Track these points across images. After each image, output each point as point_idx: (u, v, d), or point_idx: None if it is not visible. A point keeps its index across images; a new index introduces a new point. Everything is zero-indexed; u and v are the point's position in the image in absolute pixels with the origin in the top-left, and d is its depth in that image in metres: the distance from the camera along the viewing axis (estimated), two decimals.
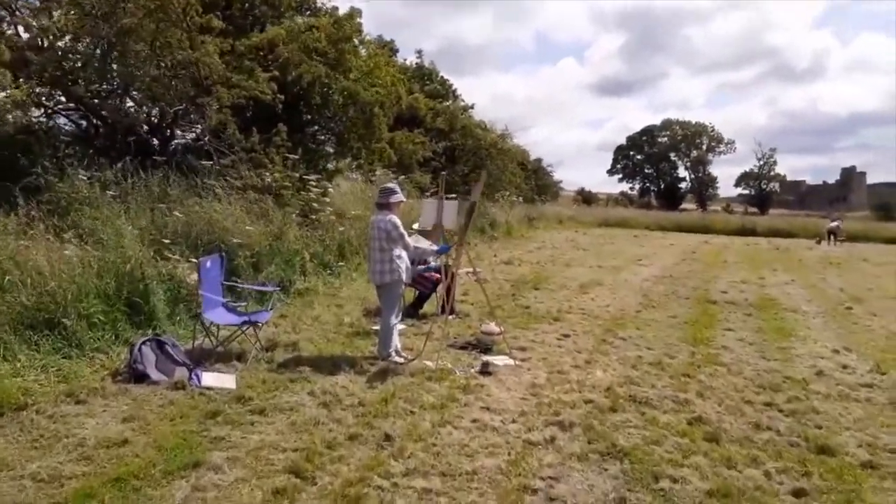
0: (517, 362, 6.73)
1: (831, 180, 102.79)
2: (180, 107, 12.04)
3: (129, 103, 12.88)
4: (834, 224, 32.91)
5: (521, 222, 25.82)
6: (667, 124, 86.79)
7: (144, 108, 12.49)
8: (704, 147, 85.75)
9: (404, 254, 6.59)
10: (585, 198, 65.86)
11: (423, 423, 4.92)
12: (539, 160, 38.81)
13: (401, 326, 6.86)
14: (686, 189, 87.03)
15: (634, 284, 12.86)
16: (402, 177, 16.81)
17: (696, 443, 4.80)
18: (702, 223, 40.22)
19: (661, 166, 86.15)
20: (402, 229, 6.47)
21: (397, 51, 25.07)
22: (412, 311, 8.67)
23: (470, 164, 23.45)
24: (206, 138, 12.20)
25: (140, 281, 6.91)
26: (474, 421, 5.04)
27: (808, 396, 5.94)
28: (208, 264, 6.55)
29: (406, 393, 5.59)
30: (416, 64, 26.46)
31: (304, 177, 11.57)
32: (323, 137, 14.81)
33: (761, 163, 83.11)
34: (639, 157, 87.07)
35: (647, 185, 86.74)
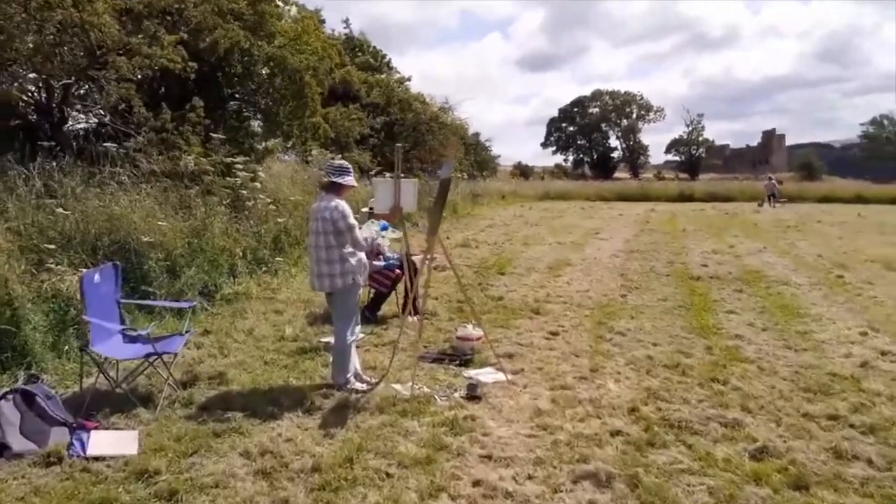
0: (509, 377, 5.37)
1: (753, 143, 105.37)
2: (69, 80, 10.05)
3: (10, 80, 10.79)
4: (771, 184, 33.11)
5: (465, 200, 24.47)
6: (597, 95, 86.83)
7: (26, 83, 10.40)
8: (634, 116, 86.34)
9: (357, 250, 5.10)
10: (523, 171, 65.08)
11: (408, 496, 3.48)
12: (477, 135, 37.46)
13: (358, 336, 5.37)
14: (619, 158, 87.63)
15: (605, 263, 11.69)
16: (340, 156, 15.14)
17: (780, 493, 3.53)
18: (641, 191, 39.92)
19: (594, 137, 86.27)
20: (352, 219, 4.97)
21: (324, 21, 23.11)
22: (369, 315, 7.18)
23: (411, 140, 21.86)
24: (106, 118, 10.29)
25: (6, 305, 5.19)
26: (477, 483, 3.63)
27: (872, 402, 4.79)
28: (96, 278, 4.89)
29: (376, 442, 4.14)
30: (346, 35, 24.54)
31: (229, 159, 9.82)
32: (248, 113, 12.95)
33: (690, 129, 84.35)
34: (571, 128, 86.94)
35: (581, 156, 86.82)
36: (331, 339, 6.34)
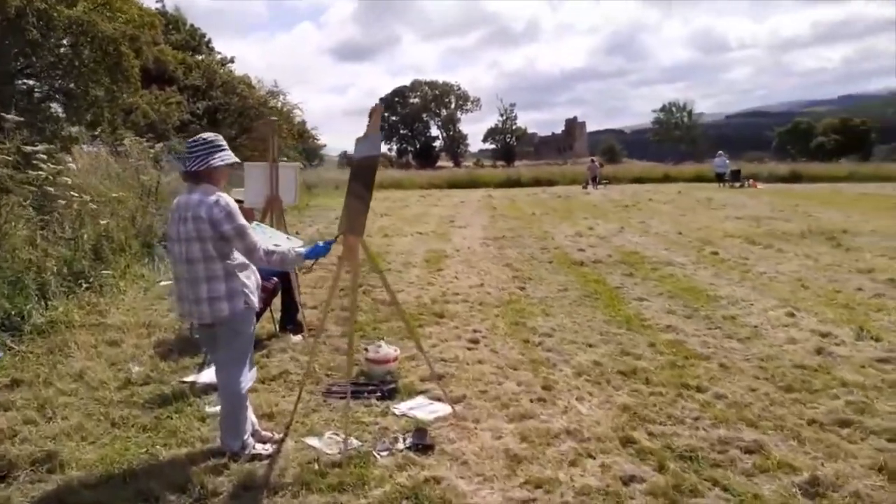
0: (455, 408, 4.20)
1: (558, 131, 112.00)
2: None
3: None
4: (594, 166, 34.86)
5: (301, 190, 22.67)
6: (416, 85, 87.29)
7: None
8: (453, 106, 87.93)
9: (249, 262, 3.64)
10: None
11: None
12: (304, 123, 35.43)
13: (252, 380, 3.87)
14: (440, 147, 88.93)
15: (480, 252, 10.84)
16: (160, 144, 12.96)
17: None
18: (470, 178, 40.21)
19: (416, 126, 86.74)
20: (241, 218, 3.50)
21: None
22: None
23: (237, 127, 19.69)
24: None
25: None
26: None
27: (868, 398, 4.25)
28: None
29: None
30: (158, 11, 21.54)
31: (29, 147, 7.57)
32: (40, 93, 10.39)
33: (504, 118, 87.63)
34: (393, 118, 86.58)
35: (405, 145, 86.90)
36: (200, 378, 4.80)
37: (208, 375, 4.90)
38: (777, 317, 6.26)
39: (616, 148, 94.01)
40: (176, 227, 3.48)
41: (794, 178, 35.69)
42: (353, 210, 3.79)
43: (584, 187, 32.32)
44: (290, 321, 6.10)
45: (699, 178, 36.83)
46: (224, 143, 3.59)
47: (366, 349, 5.06)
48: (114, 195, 8.41)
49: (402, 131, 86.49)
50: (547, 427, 3.91)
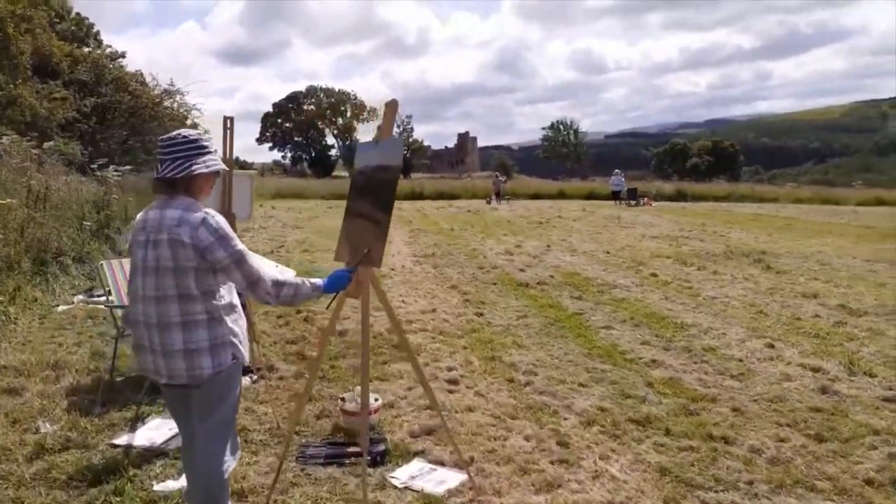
0: (470, 475, 3.51)
1: (450, 145, 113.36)
2: None
3: None
4: (498, 181, 35.15)
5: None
6: (311, 91, 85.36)
7: None
8: (349, 114, 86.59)
9: (237, 302, 2.80)
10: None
11: None
12: (196, 125, 33.27)
13: (236, 460, 3.00)
14: (337, 156, 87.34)
15: (418, 272, 10.16)
16: (48, 144, 11.45)
17: None
18: None
19: (311, 134, 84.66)
20: (237, 241, 2.66)
21: None
22: None
23: (128, 127, 17.96)
24: None
25: None
26: None
27: None
28: None
29: None
30: None
31: None
32: None
33: (401, 129, 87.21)
34: (287, 124, 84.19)
35: (299, 153, 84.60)
36: (136, 440, 3.86)
37: (145, 436, 3.95)
38: (757, 349, 6.00)
39: (507, 163, 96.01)
40: (143, 251, 2.60)
41: (681, 196, 37.46)
42: (363, 235, 3.03)
43: (488, 202, 32.35)
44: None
45: (592, 196, 37.94)
46: (209, 143, 2.75)
47: (341, 398, 4.26)
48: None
49: (296, 139, 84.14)
50: (586, 499, 3.31)
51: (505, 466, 3.68)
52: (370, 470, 3.59)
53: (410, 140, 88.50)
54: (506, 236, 15.58)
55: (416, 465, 3.71)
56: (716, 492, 3.40)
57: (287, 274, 3.05)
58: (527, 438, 4.05)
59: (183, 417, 2.81)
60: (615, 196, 32.23)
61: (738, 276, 9.90)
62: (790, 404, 4.62)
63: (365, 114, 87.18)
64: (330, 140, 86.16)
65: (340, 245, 3.34)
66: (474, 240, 14.71)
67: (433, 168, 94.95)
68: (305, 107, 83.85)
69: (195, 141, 2.66)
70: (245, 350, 2.74)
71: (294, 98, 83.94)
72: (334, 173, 76.76)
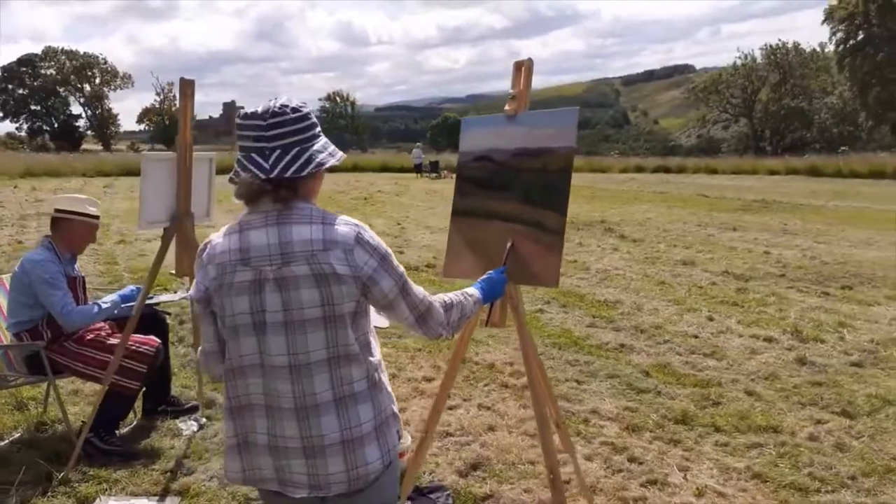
0: None
1: (215, 115, 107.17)
2: None
3: None
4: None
5: None
6: (50, 54, 74.54)
7: None
8: (98, 81, 77.07)
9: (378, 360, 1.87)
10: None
11: None
12: None
13: None
14: (86, 127, 77.59)
15: None
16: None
17: None
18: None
19: (51, 102, 73.94)
20: (396, 261, 1.72)
21: None
22: (105, 446, 3.38)
23: None
24: None
25: None
26: None
27: None
28: None
29: None
30: None
31: None
32: None
33: (162, 98, 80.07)
34: (21, 91, 72.65)
35: (39, 123, 73.52)
36: None
37: None
38: (700, 322, 6.03)
39: None
40: (252, 298, 1.60)
41: None
42: (531, 246, 2.24)
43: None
44: (164, 398, 3.94)
45: (387, 169, 37.90)
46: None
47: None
48: None
49: (33, 107, 72.95)
50: None
51: (601, 497, 3.11)
52: None
53: (174, 109, 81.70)
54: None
55: None
56: (829, 492, 3.16)
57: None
58: (588, 458, 3.51)
59: None
60: (417, 169, 32.36)
61: (604, 246, 10.17)
62: (790, 381, 4.60)
63: (118, 80, 78.28)
64: (76, 109, 76.10)
65: (456, 257, 2.48)
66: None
67: (197, 139, 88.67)
68: (44, 71, 72.96)
69: (308, 115, 1.67)
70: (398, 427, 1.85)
71: (28, 61, 72.64)
72: (83, 147, 67.87)
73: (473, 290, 2.00)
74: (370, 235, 1.65)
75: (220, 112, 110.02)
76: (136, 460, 3.33)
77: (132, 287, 3.68)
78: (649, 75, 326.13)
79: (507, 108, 2.34)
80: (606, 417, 4.02)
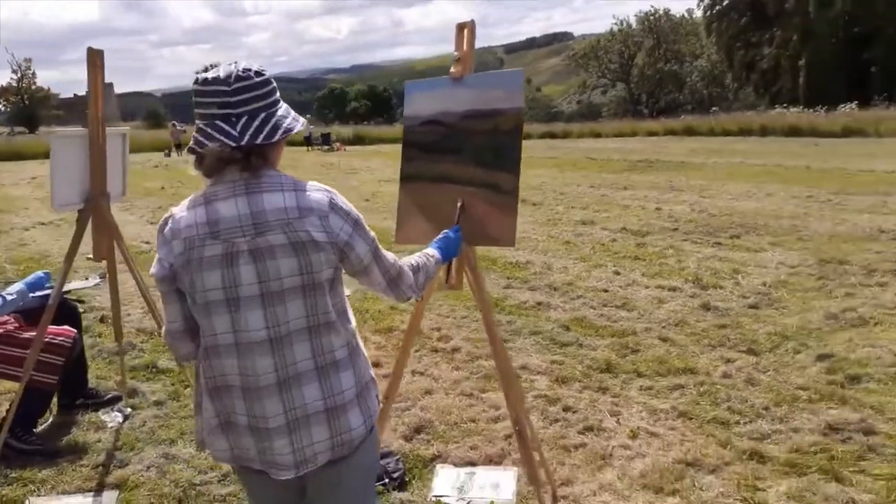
0: (536, 465, 2.97)
1: (81, 92, 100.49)
2: None
3: None
4: (177, 131, 31.71)
5: None
6: None
7: None
8: None
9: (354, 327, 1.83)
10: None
11: None
12: None
13: None
14: None
15: None
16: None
17: None
18: (12, 149, 32.26)
19: None
20: (368, 229, 1.68)
21: None
22: (20, 445, 3.14)
23: None
24: None
25: None
26: None
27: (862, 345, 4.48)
28: None
29: None
30: None
31: None
32: None
33: (19, 76, 74.12)
34: None
35: None
36: None
37: None
38: (608, 277, 6.30)
39: (160, 111, 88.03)
40: (225, 272, 1.54)
41: (359, 140, 38.19)
42: (486, 207, 2.25)
43: (167, 154, 29.25)
44: (81, 391, 3.71)
45: None
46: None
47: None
48: None
49: None
50: (648, 463, 3.06)
51: (545, 447, 3.23)
52: (399, 496, 2.87)
53: (34, 88, 75.73)
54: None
55: (448, 474, 3.06)
56: (748, 423, 3.43)
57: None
58: (494, 406, 3.62)
59: None
60: (308, 142, 31.59)
61: None
62: (698, 326, 4.91)
63: None
64: None
65: (409, 223, 2.47)
66: None
67: (66, 120, 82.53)
68: None
69: (270, 80, 1.61)
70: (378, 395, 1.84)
71: None
72: None
73: (433, 251, 2.00)
74: (342, 201, 1.62)
75: (86, 90, 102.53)
76: (60, 458, 3.12)
77: (39, 273, 3.41)
78: (531, 43, 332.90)
79: (452, 70, 2.32)
80: (536, 372, 4.16)
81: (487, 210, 2.26)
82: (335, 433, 1.61)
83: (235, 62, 1.57)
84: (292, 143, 34.60)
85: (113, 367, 4.34)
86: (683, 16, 64.35)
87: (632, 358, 4.34)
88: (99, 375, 4.16)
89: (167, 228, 1.59)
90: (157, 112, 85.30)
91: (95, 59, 2.78)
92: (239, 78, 1.52)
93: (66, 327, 3.33)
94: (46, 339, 3.10)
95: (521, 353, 4.47)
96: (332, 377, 1.61)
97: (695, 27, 61.63)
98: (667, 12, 64.88)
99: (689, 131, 32.30)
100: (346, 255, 1.60)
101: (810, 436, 3.25)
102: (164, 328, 1.69)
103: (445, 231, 2.14)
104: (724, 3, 50.40)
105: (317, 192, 1.58)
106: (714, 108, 42.18)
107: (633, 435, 3.35)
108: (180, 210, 1.60)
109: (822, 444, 3.16)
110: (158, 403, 3.80)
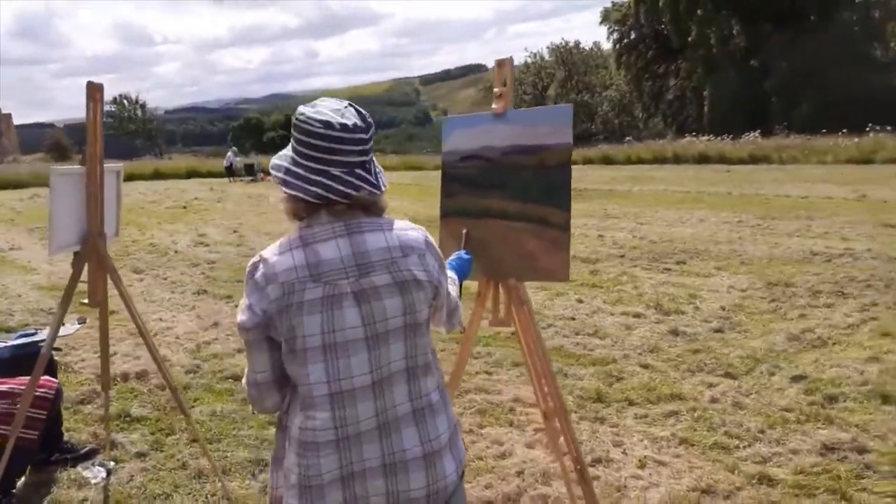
0: None
1: None
2: None
3: None
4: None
5: None
6: None
7: None
8: None
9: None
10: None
11: None
12: None
13: None
14: None
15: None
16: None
17: None
18: None
19: None
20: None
21: None
22: (8, 501, 2.87)
23: None
24: None
25: None
26: None
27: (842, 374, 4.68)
28: None
29: None
30: None
31: None
32: None
33: None
34: None
35: None
36: None
37: None
38: (572, 305, 6.42)
39: (65, 143, 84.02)
40: (327, 315, 1.48)
41: None
42: (533, 242, 2.24)
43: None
44: (57, 445, 3.43)
45: (194, 174, 35.89)
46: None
47: None
48: None
49: None
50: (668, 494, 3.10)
51: (559, 482, 3.22)
52: None
53: None
54: (163, 224, 13.58)
55: None
56: (748, 447, 3.52)
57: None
58: (529, 446, 3.60)
59: None
60: (229, 172, 30.81)
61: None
62: (671, 351, 5.05)
63: None
64: None
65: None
66: (139, 231, 12.46)
67: None
68: None
69: (355, 119, 1.57)
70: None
71: None
72: None
73: (453, 275, 2.02)
74: (433, 239, 1.63)
75: None
76: None
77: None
78: (446, 74, 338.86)
79: (494, 106, 2.33)
80: (530, 404, 4.15)
81: (538, 245, 2.26)
82: (432, 481, 1.57)
83: (345, 104, 1.54)
84: (212, 175, 33.73)
85: (79, 417, 4.05)
86: (592, 48, 67.11)
87: (619, 386, 4.41)
88: (67, 427, 3.85)
89: (258, 273, 1.52)
90: (61, 144, 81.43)
91: (95, 94, 2.61)
92: (369, 124, 1.53)
93: (47, 377, 3.08)
94: (36, 397, 2.85)
95: (510, 386, 4.46)
96: (428, 421, 1.59)
97: (603, 59, 64.32)
98: (577, 45, 67.50)
99: (607, 160, 33.48)
100: (438, 292, 1.60)
101: (809, 457, 3.37)
102: (246, 379, 1.61)
103: (458, 252, 2.20)
104: (632, 37, 52.94)
105: (413, 230, 1.59)
106: (628, 138, 43.95)
107: (642, 465, 3.39)
108: (272, 254, 1.53)
109: (822, 464, 3.29)
110: (141, 455, 3.55)
